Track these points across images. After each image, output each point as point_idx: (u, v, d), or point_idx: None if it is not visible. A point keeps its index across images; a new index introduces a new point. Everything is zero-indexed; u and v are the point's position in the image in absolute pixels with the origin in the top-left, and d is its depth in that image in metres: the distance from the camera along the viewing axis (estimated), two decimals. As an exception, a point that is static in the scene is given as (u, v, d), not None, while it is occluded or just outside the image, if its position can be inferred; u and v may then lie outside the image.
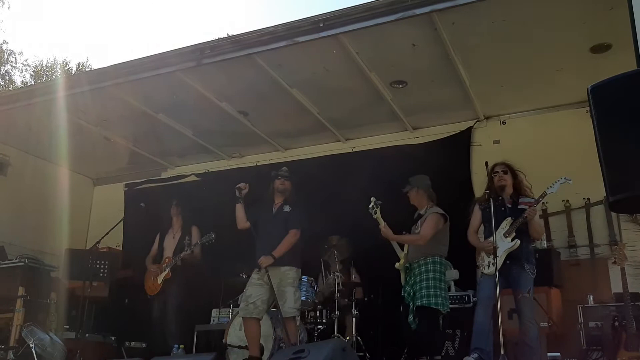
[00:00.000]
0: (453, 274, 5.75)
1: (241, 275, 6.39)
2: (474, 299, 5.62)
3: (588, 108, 2.34)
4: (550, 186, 5.00)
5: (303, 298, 5.94)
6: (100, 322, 7.19)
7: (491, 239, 4.99)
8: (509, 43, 5.53)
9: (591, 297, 5.54)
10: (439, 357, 5.44)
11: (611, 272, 5.93)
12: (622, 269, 4.99)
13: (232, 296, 6.75)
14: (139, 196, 8.69)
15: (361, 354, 5.89)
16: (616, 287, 5.51)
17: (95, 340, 6.99)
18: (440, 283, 5.42)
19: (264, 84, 6.40)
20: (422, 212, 5.73)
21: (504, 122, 7.17)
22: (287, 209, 5.73)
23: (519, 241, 4.94)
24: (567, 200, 6.49)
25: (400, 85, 6.46)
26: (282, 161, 8.03)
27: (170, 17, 41.51)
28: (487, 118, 7.20)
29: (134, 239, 8.47)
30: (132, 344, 7.24)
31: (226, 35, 6.20)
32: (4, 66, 23.77)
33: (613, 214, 6.20)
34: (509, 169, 5.26)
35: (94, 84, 6.54)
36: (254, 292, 5.51)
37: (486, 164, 5.41)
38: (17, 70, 24.36)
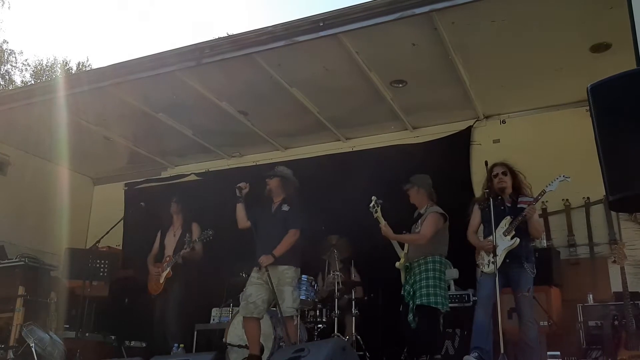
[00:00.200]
0: (453, 273, 5.75)
1: (241, 274, 6.39)
2: (474, 298, 5.62)
3: (588, 107, 2.34)
4: (549, 184, 5.01)
5: (303, 297, 5.94)
6: (100, 322, 7.19)
7: (491, 237, 4.99)
8: (509, 42, 5.53)
9: (591, 296, 5.54)
10: (439, 356, 5.44)
11: (611, 271, 5.93)
12: (622, 268, 4.98)
13: (232, 295, 6.76)
14: (139, 196, 8.68)
15: (361, 353, 5.89)
16: (616, 286, 5.51)
17: (95, 340, 6.99)
18: (440, 282, 5.43)
19: (264, 83, 6.40)
20: (422, 211, 5.73)
21: (503, 122, 7.17)
22: (285, 208, 5.73)
23: (518, 239, 4.95)
24: (567, 199, 6.49)
25: (400, 85, 6.46)
26: (282, 160, 8.04)
27: (170, 17, 41.51)
28: (486, 117, 7.20)
29: (134, 238, 8.47)
30: (132, 343, 7.24)
31: (226, 35, 6.18)
32: (4, 66, 23.77)
33: (613, 213, 6.20)
34: (509, 169, 5.26)
35: (93, 84, 6.54)
36: (254, 291, 5.51)
37: (486, 163, 5.41)
38: (17, 69, 24.40)
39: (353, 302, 6.15)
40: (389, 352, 6.02)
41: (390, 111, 7.06)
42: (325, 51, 5.80)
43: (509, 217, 5.07)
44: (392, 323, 5.98)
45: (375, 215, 5.59)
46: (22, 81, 23.88)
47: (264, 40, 5.63)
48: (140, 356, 6.78)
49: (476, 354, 4.77)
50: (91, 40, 39.36)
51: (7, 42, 24.07)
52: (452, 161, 7.09)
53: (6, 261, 6.97)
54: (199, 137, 7.94)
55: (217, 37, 6.16)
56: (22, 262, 6.73)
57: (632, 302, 4.88)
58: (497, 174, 5.24)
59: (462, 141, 7.16)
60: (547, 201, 6.33)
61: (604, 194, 2.28)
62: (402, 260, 5.74)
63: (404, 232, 5.76)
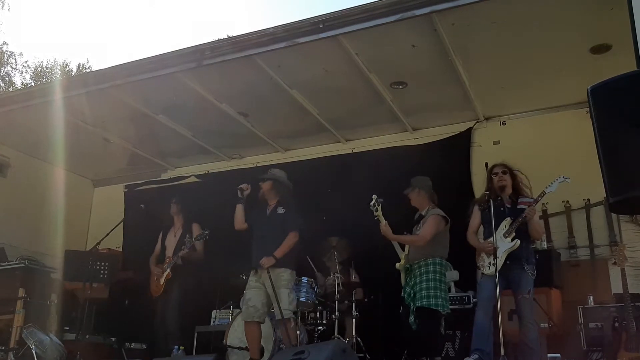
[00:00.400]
0: (453, 274, 5.75)
1: (241, 276, 6.38)
2: (474, 300, 5.62)
3: (588, 109, 2.34)
4: (549, 185, 5.01)
5: (303, 299, 5.95)
6: (101, 324, 7.17)
7: (491, 239, 4.99)
8: (509, 44, 5.53)
9: (591, 297, 5.54)
10: (439, 358, 5.44)
11: (611, 273, 5.92)
12: (622, 270, 4.98)
13: (232, 297, 6.75)
14: (139, 197, 8.69)
15: (361, 355, 5.89)
16: (616, 287, 5.51)
17: (96, 342, 6.98)
18: (441, 284, 5.42)
19: (264, 85, 6.40)
20: (423, 213, 5.73)
21: (503, 123, 7.16)
22: (281, 210, 5.74)
23: (518, 241, 4.95)
24: (567, 201, 6.49)
25: (400, 86, 6.46)
26: (282, 162, 8.05)
27: (170, 18, 41.54)
28: (487, 119, 7.20)
29: (134, 240, 8.47)
30: (133, 345, 7.23)
31: (226, 37, 6.19)
32: (4, 67, 23.77)
33: (613, 215, 6.20)
34: (508, 169, 5.27)
35: (93, 86, 6.55)
36: (253, 295, 5.54)
37: (486, 164, 5.41)
38: (17, 71, 24.40)
39: (353, 304, 6.14)
40: (390, 354, 6.01)
41: (390, 113, 7.06)
42: (325, 53, 5.80)
43: (509, 219, 5.07)
44: (393, 325, 5.96)
45: (375, 214, 5.59)
46: (22, 83, 23.93)
47: (264, 42, 5.63)
48: (141, 358, 6.82)
49: (476, 356, 4.77)
50: (91, 42, 39.38)
51: (7, 44, 24.15)
52: (452, 163, 7.09)
53: (6, 263, 6.96)
54: (199, 138, 7.94)
55: (217, 39, 6.17)
56: (22, 264, 6.72)
57: (632, 304, 4.88)
58: (497, 173, 5.25)
59: (462, 143, 7.16)
60: (547, 203, 6.33)
61: (605, 195, 2.28)
62: (402, 261, 5.74)
63: (404, 233, 5.76)
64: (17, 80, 24.17)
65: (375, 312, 6.35)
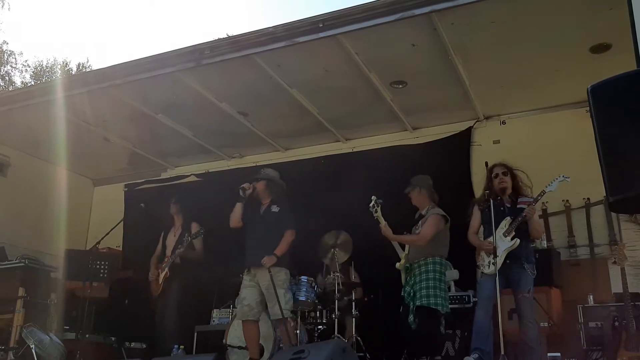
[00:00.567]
0: (453, 274, 5.75)
1: (241, 275, 6.38)
2: (474, 299, 5.62)
3: (588, 108, 2.33)
4: (549, 184, 5.01)
5: (302, 298, 5.96)
6: (100, 323, 7.17)
7: (491, 238, 4.99)
8: (509, 43, 5.53)
9: (591, 297, 5.54)
10: (439, 358, 5.44)
11: (611, 272, 5.92)
12: (622, 269, 4.98)
13: (232, 296, 6.74)
14: (139, 197, 8.68)
15: (361, 354, 5.89)
16: (616, 287, 5.51)
17: (96, 341, 6.98)
18: (441, 283, 5.42)
19: (264, 84, 6.40)
20: (423, 212, 5.73)
21: (503, 122, 7.17)
22: (275, 209, 5.78)
23: (518, 240, 4.94)
24: (567, 200, 6.49)
25: (400, 86, 6.46)
26: (282, 161, 8.06)
27: (170, 17, 41.53)
28: (486, 118, 7.20)
29: (134, 239, 8.47)
30: (132, 344, 7.23)
31: (226, 36, 6.18)
32: (4, 67, 23.76)
33: (613, 214, 6.20)
34: (509, 170, 5.26)
35: (93, 85, 6.54)
36: (248, 294, 5.57)
37: (486, 164, 5.41)
38: (17, 70, 24.39)
39: (353, 303, 6.14)
40: (389, 353, 6.01)
41: (390, 112, 7.05)
42: (325, 52, 5.80)
43: (508, 218, 5.07)
44: (392, 324, 5.97)
45: (375, 215, 5.59)
46: (22, 82, 23.91)
47: (264, 41, 5.62)
48: (141, 357, 6.80)
49: (476, 355, 4.77)
50: (91, 41, 39.39)
51: (7, 43, 24.07)
52: (452, 162, 7.09)
53: (6, 262, 6.96)
54: (198, 138, 7.93)
55: (217, 38, 6.17)
56: (22, 264, 6.72)
57: (632, 303, 4.88)
58: (498, 174, 5.23)
59: (462, 142, 7.16)
60: (547, 202, 6.34)
61: (604, 194, 2.27)
62: (402, 261, 5.74)
63: (404, 232, 5.76)
64: (17, 80, 24.20)
65: (375, 312, 6.35)
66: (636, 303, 4.99)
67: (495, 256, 4.88)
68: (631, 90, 2.20)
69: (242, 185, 5.86)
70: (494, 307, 4.85)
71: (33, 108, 6.92)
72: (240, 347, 5.92)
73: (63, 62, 26.35)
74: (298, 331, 5.95)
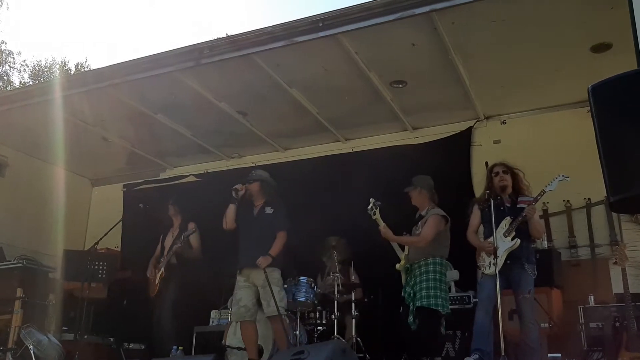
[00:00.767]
0: (453, 274, 5.74)
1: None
2: (475, 300, 5.61)
3: (588, 108, 2.32)
4: (549, 184, 5.00)
5: (302, 299, 5.96)
6: (99, 324, 7.16)
7: (491, 239, 4.97)
8: (509, 43, 5.52)
9: (592, 297, 5.52)
10: (439, 358, 5.43)
11: (612, 273, 5.91)
12: (623, 270, 4.97)
13: (231, 297, 6.72)
14: (138, 197, 8.67)
15: (361, 355, 5.88)
16: (617, 287, 5.49)
17: (94, 342, 6.98)
18: (441, 284, 5.40)
19: (263, 84, 6.38)
20: (423, 213, 5.71)
21: (504, 122, 7.15)
22: (269, 210, 5.79)
23: (519, 240, 4.93)
24: (568, 201, 6.48)
25: (400, 85, 6.44)
26: (282, 161, 8.06)
27: (169, 17, 41.54)
28: (487, 118, 7.19)
29: (132, 239, 8.45)
30: (131, 345, 7.22)
31: (225, 35, 6.16)
32: (2, 66, 23.76)
33: (614, 214, 6.19)
34: (509, 169, 5.25)
35: (92, 85, 6.54)
36: (244, 295, 5.59)
37: (486, 164, 5.40)
38: (15, 70, 24.39)
39: (353, 304, 6.13)
40: (389, 354, 6.00)
41: (390, 112, 7.04)
42: (324, 51, 5.78)
43: (509, 218, 5.06)
44: (392, 325, 5.95)
45: (373, 217, 5.57)
46: (20, 82, 23.92)
47: (263, 41, 5.61)
48: (139, 358, 6.80)
49: (477, 356, 4.76)
50: (90, 41, 39.40)
51: (6, 43, 24.06)
52: (452, 162, 7.07)
53: (4, 263, 6.96)
54: (197, 137, 7.92)
55: (216, 38, 6.16)
56: (21, 264, 6.71)
57: (633, 304, 4.86)
58: (498, 172, 5.23)
59: (462, 142, 7.15)
60: (548, 202, 6.32)
61: (605, 194, 2.26)
62: (402, 262, 5.72)
63: (404, 233, 5.74)
64: (16, 79, 24.21)
65: (375, 312, 6.33)
66: (637, 303, 4.97)
67: (496, 257, 4.87)
68: (632, 90, 2.20)
69: (234, 187, 5.86)
70: (494, 307, 4.84)
71: (31, 108, 6.91)
72: (239, 348, 5.90)
73: (61, 62, 26.39)
74: (298, 332, 5.94)
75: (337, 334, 6.03)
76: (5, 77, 23.88)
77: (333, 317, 6.07)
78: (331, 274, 6.24)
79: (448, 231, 5.59)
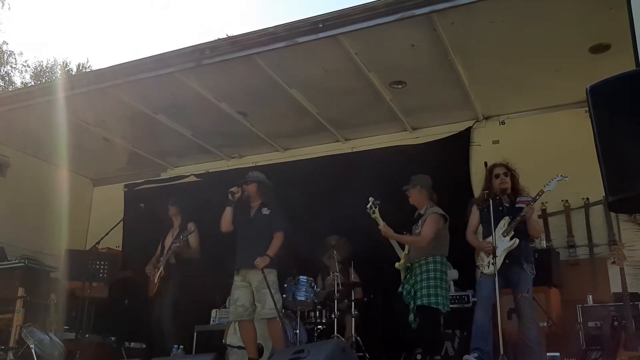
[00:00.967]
0: (452, 274, 5.76)
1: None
2: (474, 299, 5.63)
3: (587, 108, 2.34)
4: (547, 184, 5.02)
5: (302, 298, 5.97)
6: (100, 323, 7.17)
7: (490, 238, 4.99)
8: (508, 43, 5.53)
9: (590, 297, 5.55)
10: (439, 357, 5.44)
11: (610, 272, 5.93)
12: (622, 269, 4.99)
13: (228, 297, 6.74)
14: (139, 197, 8.68)
15: (361, 354, 5.90)
16: (615, 287, 5.52)
17: (95, 341, 6.98)
18: (442, 283, 5.41)
19: (264, 84, 6.40)
20: (422, 211, 5.72)
21: (503, 123, 7.17)
22: (265, 211, 5.80)
23: (517, 240, 4.95)
24: (566, 200, 6.49)
25: (400, 86, 6.46)
26: (282, 161, 8.07)
27: (170, 17, 41.52)
28: (486, 118, 7.20)
29: (133, 239, 8.47)
30: (132, 344, 7.22)
31: (226, 36, 6.19)
32: (4, 67, 23.74)
33: (612, 214, 6.20)
34: (509, 170, 5.26)
35: (93, 85, 6.55)
36: (241, 295, 5.61)
37: (485, 164, 5.42)
38: (17, 71, 24.36)
39: (353, 303, 6.14)
40: (389, 353, 6.01)
41: (389, 112, 7.06)
42: (325, 52, 5.80)
43: (507, 218, 5.08)
44: (392, 324, 5.97)
45: (373, 216, 5.58)
46: (22, 82, 23.90)
47: (264, 41, 5.63)
48: (140, 357, 6.80)
49: (476, 355, 4.78)
50: (91, 41, 39.36)
51: (7, 43, 24.08)
52: (451, 162, 7.09)
53: (6, 262, 6.96)
54: (198, 138, 7.94)
55: (217, 38, 6.17)
56: (22, 264, 6.72)
57: (631, 303, 4.89)
58: (499, 175, 5.23)
59: (461, 142, 7.17)
60: (546, 202, 6.35)
61: (604, 194, 2.28)
62: (402, 261, 5.73)
63: (404, 232, 5.75)
64: (17, 80, 24.18)
65: (374, 312, 6.35)
66: (635, 303, 5.00)
67: (495, 256, 4.89)
68: (630, 90, 2.20)
69: (230, 190, 5.87)
70: (493, 307, 4.86)
71: (33, 108, 6.92)
72: (239, 347, 5.92)
73: (63, 63, 26.36)
74: (298, 331, 5.96)
75: (337, 333, 6.05)
76: (6, 78, 23.87)
77: (333, 316, 6.09)
78: (331, 273, 6.26)
79: (447, 230, 5.61)
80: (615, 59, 5.22)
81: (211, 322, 6.92)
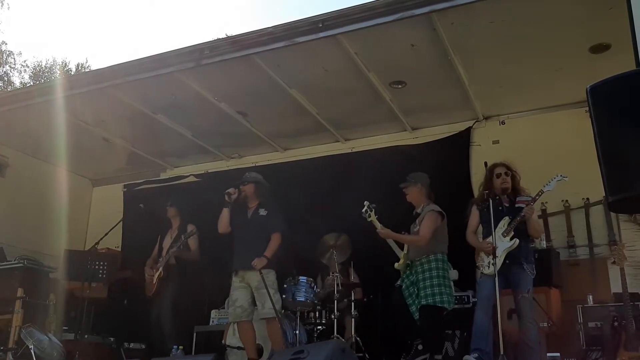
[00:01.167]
0: (452, 274, 5.74)
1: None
2: (474, 300, 5.63)
3: (587, 108, 2.33)
4: (547, 184, 5.01)
5: (301, 299, 5.97)
6: (99, 323, 7.17)
7: (490, 239, 4.99)
8: (508, 43, 5.53)
9: (591, 297, 5.54)
10: (439, 357, 5.43)
11: (610, 272, 5.92)
12: (622, 269, 4.98)
13: (227, 298, 6.73)
14: (138, 197, 8.68)
15: (360, 354, 5.89)
16: (615, 287, 5.51)
17: (94, 342, 6.98)
18: (444, 280, 5.38)
19: (263, 84, 6.39)
20: (419, 210, 5.70)
21: (503, 123, 7.16)
22: (263, 212, 5.79)
23: (517, 240, 4.95)
24: (567, 200, 6.49)
25: (400, 86, 6.46)
26: (282, 161, 8.06)
27: (169, 17, 41.53)
28: (486, 118, 7.20)
29: (133, 239, 8.46)
30: (131, 345, 7.22)
31: (225, 36, 6.18)
32: (3, 67, 23.75)
33: (612, 214, 6.20)
34: (510, 170, 5.26)
35: (92, 85, 6.54)
36: (240, 296, 5.61)
37: (485, 164, 5.41)
38: (16, 71, 24.37)
39: (352, 304, 6.14)
40: (389, 354, 6.01)
41: (389, 112, 7.05)
42: (324, 52, 5.79)
43: (507, 218, 5.07)
44: (392, 324, 5.96)
45: (369, 219, 5.57)
46: (21, 82, 23.90)
47: (264, 41, 5.62)
48: (140, 358, 6.79)
49: (476, 355, 4.77)
50: (90, 41, 39.36)
51: (6, 43, 24.08)
52: (451, 162, 7.08)
53: (5, 263, 6.95)
54: (198, 138, 7.93)
55: (216, 38, 6.17)
56: (21, 264, 6.71)
57: (631, 303, 4.88)
58: (500, 174, 5.22)
59: (461, 142, 7.16)
60: (546, 202, 6.35)
61: (604, 194, 2.27)
62: (401, 260, 5.71)
63: (403, 232, 5.74)
64: (16, 80, 24.19)
65: (374, 312, 6.35)
66: (635, 303, 4.99)
67: (495, 256, 4.88)
68: (630, 90, 2.21)
69: (227, 191, 5.85)
70: (493, 307, 4.85)
71: (32, 108, 6.91)
72: (239, 348, 5.92)
73: (62, 63, 26.38)
74: (298, 331, 5.96)
75: (337, 333, 6.04)
76: (5, 78, 23.88)
77: (332, 316, 6.08)
78: (331, 274, 6.25)
79: (445, 227, 5.58)
80: (615, 59, 5.22)
81: (211, 322, 6.92)
